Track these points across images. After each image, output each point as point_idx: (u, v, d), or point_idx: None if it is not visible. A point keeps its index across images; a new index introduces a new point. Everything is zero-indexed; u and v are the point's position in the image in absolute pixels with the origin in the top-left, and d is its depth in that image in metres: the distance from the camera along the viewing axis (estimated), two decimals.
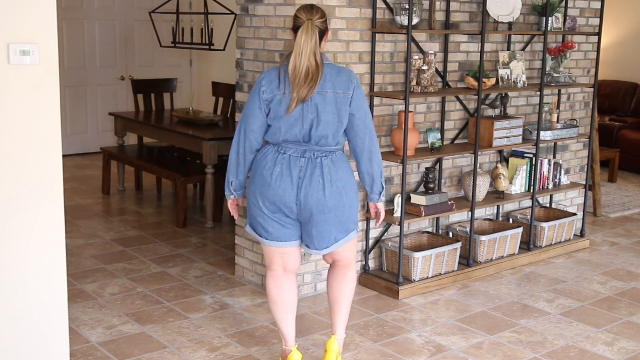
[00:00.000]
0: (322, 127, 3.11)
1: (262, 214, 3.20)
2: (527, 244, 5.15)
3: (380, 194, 3.30)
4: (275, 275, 3.34)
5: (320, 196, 3.13)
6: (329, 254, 3.34)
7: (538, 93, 5.12)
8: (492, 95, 4.97)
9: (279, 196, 3.14)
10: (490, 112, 5.03)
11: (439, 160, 4.81)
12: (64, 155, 6.40)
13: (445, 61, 4.72)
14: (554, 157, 5.51)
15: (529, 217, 5.21)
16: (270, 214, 3.19)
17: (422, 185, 4.77)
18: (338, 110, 3.12)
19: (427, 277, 4.51)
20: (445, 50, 4.71)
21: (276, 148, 3.17)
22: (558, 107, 5.40)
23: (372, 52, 4.34)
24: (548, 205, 5.56)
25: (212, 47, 6.39)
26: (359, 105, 3.16)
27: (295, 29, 3.13)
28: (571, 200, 5.75)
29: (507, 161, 5.20)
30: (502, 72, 4.85)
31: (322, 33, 3.14)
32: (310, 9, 3.13)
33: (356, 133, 3.18)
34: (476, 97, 4.86)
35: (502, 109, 4.98)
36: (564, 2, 5.24)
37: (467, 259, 4.75)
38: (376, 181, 3.27)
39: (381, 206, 3.36)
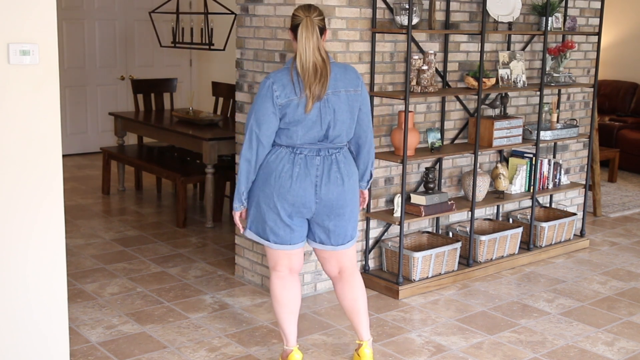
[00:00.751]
0: (339, 127, 3.15)
1: (275, 218, 3.18)
2: (527, 244, 5.14)
3: (369, 181, 3.44)
4: (281, 276, 3.35)
5: (341, 191, 3.19)
6: (335, 261, 3.36)
7: (538, 93, 5.12)
8: (492, 95, 4.97)
9: (299, 197, 3.14)
10: (490, 112, 5.03)
11: (439, 160, 4.81)
12: (64, 155, 6.40)
13: (445, 61, 4.72)
14: (554, 157, 5.51)
15: (529, 217, 5.21)
16: (285, 217, 3.18)
17: (422, 185, 4.77)
18: (351, 108, 3.18)
19: (427, 277, 4.51)
20: (445, 50, 4.71)
21: (291, 149, 3.15)
22: (558, 107, 5.40)
23: (372, 52, 4.34)
24: (548, 205, 5.56)
25: (212, 47, 6.39)
26: (365, 101, 3.27)
27: (293, 28, 3.13)
28: (571, 200, 5.75)
29: (507, 161, 5.20)
30: (502, 72, 4.85)
31: (321, 31, 3.14)
32: (307, 7, 3.14)
33: (361, 126, 3.27)
34: (476, 97, 4.86)
35: (502, 109, 4.98)
36: (564, 2, 5.24)
37: (467, 259, 4.74)
38: (368, 170, 3.40)
39: (366, 192, 3.52)
